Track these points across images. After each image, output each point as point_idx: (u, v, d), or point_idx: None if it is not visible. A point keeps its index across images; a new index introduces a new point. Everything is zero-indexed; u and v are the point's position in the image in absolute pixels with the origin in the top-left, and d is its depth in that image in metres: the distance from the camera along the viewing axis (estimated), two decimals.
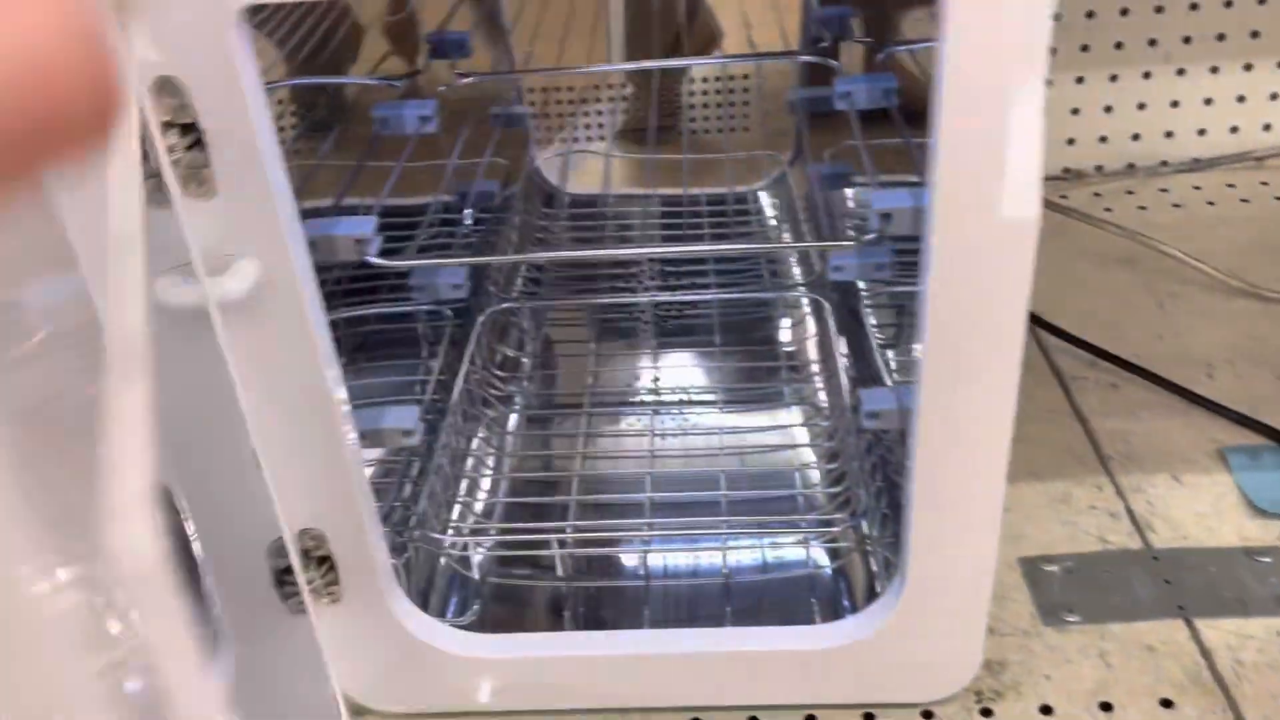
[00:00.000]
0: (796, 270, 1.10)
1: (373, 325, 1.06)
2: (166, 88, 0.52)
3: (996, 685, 0.76)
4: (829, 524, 0.81)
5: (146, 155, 0.52)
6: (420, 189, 1.06)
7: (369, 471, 0.83)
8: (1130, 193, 1.37)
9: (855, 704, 0.74)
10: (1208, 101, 1.37)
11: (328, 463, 0.64)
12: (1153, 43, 1.34)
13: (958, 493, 0.64)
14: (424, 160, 0.98)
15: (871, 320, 0.91)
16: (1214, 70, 1.35)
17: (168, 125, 0.53)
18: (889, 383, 0.83)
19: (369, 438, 0.73)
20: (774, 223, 1.17)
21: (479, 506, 0.87)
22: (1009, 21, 0.50)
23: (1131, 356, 1.06)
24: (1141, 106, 1.38)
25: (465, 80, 0.92)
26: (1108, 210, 1.33)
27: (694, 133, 1.25)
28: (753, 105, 1.24)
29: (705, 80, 1.22)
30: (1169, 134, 1.40)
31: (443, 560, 0.82)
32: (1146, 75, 1.36)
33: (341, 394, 0.63)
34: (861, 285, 0.97)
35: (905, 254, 0.91)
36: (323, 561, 0.68)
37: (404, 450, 0.84)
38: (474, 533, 0.83)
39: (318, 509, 0.66)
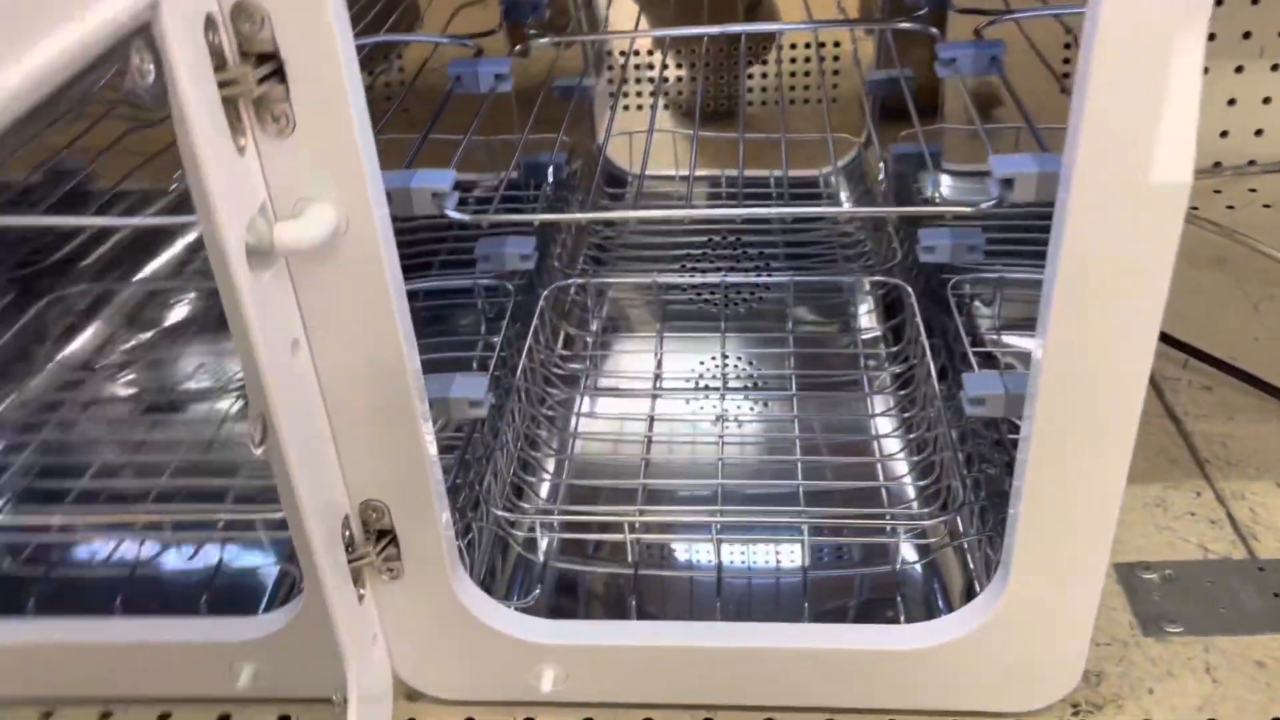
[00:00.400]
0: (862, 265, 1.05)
1: (429, 301, 1.03)
2: (245, 12, 0.48)
3: (1095, 698, 0.70)
4: (919, 518, 0.76)
5: (222, 85, 0.48)
6: (481, 164, 1.02)
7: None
8: (1218, 192, 1.31)
9: (941, 711, 0.70)
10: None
11: (395, 429, 0.60)
12: (1247, 35, 1.27)
13: (1074, 487, 0.59)
14: (487, 135, 0.94)
15: (958, 308, 0.86)
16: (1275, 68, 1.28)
17: (245, 54, 0.49)
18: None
19: (435, 408, 0.69)
20: (849, 206, 1.12)
21: (544, 489, 0.83)
22: None
23: (1226, 358, 1.00)
24: (1231, 102, 1.32)
25: (540, 41, 0.88)
26: (1195, 209, 1.27)
27: (759, 111, 1.20)
28: (823, 88, 1.19)
29: (784, 55, 1.17)
30: (1259, 132, 1.33)
31: (506, 542, 0.78)
32: (1239, 70, 1.30)
33: (414, 357, 0.59)
34: (944, 274, 0.92)
35: (996, 236, 0.87)
36: (384, 535, 0.65)
37: (468, 426, 0.80)
38: (540, 512, 0.79)
39: (381, 479, 0.62)
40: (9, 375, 0.90)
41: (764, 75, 1.19)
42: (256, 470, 0.80)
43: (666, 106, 1.22)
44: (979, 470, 0.73)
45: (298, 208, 0.53)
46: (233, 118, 0.49)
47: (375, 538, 0.65)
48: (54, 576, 0.81)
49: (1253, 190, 1.31)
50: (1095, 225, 0.51)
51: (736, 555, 0.78)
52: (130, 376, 0.94)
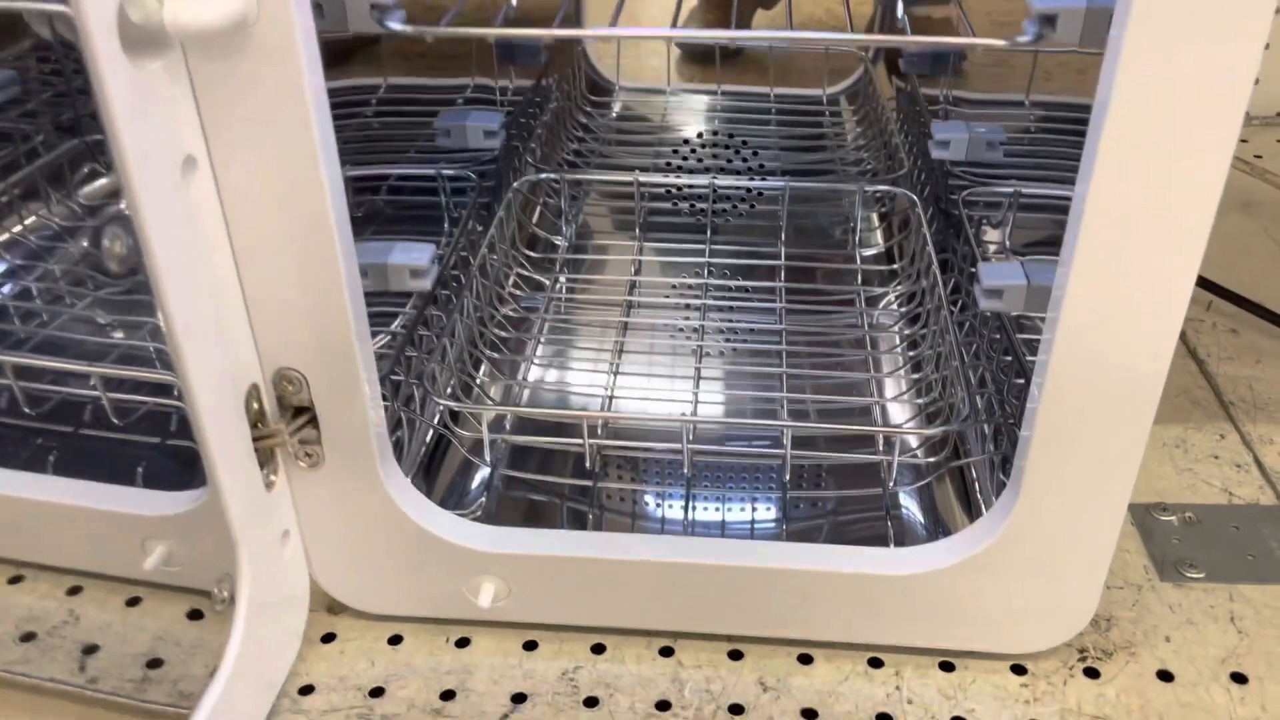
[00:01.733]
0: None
1: (388, 195, 0.93)
2: None
3: (1104, 643, 0.62)
4: (915, 430, 0.67)
5: None
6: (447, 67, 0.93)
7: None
8: (1244, 141, 1.23)
9: (931, 649, 0.61)
10: None
11: (316, 282, 0.51)
12: None
13: (1100, 401, 0.51)
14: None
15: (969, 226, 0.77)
16: None
17: None
18: None
19: (373, 275, 0.60)
20: (858, 128, 1.03)
21: (495, 392, 0.74)
22: None
23: (1253, 299, 0.92)
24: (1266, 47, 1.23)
25: None
26: None
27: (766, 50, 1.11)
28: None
29: None
30: None
31: (448, 444, 0.69)
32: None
33: (339, 190, 0.50)
34: (952, 191, 0.83)
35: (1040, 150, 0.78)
36: (301, 412, 0.55)
37: (414, 309, 0.71)
38: (491, 405, 0.70)
39: (299, 343, 0.53)
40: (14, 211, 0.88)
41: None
42: None
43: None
44: (990, 391, 0.64)
45: None
46: None
47: (291, 414, 0.56)
48: None
49: None
50: (1153, 67, 0.42)
51: (710, 475, 0.69)
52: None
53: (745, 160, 1.00)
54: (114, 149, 0.43)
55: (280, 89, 0.46)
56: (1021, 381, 0.64)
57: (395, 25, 0.51)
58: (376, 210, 0.92)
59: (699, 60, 1.10)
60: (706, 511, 0.67)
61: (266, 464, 0.56)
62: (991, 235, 0.85)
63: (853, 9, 1.02)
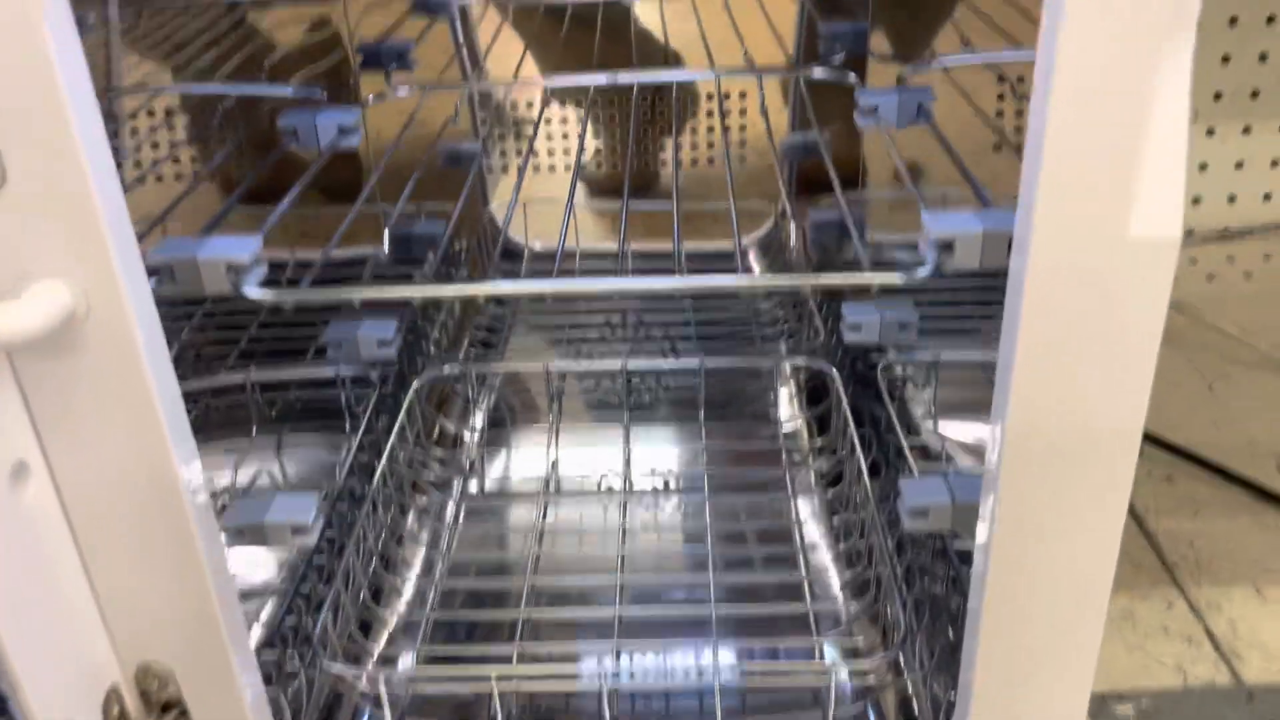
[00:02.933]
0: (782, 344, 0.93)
1: (294, 391, 0.89)
2: None
3: None
4: (856, 652, 0.63)
5: None
6: (345, 236, 0.89)
7: (259, 577, 0.66)
8: (1194, 262, 1.24)
9: None
10: (1239, 165, 1.24)
11: (171, 568, 0.46)
12: (1218, 96, 1.21)
13: (1045, 607, 0.47)
14: (350, 203, 0.82)
15: (889, 393, 0.75)
16: (1246, 130, 1.22)
17: None
18: (917, 472, 0.66)
19: (250, 534, 0.55)
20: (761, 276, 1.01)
21: (399, 621, 0.69)
22: None
23: (1186, 445, 0.91)
24: (1203, 168, 1.25)
25: (402, 92, 0.77)
26: None
27: (666, 178, 1.10)
28: (732, 149, 1.09)
29: (689, 109, 1.07)
30: (1196, 200, 1.26)
31: (346, 696, 0.63)
32: (1210, 133, 1.23)
33: (193, 472, 0.45)
34: (873, 356, 0.81)
35: (932, 312, 0.76)
36: (169, 708, 0.50)
37: (304, 551, 0.66)
38: (385, 662, 0.64)
39: (161, 635, 0.48)
40: None
41: (664, 134, 1.08)
42: None
43: (566, 169, 1.11)
44: (921, 587, 0.61)
45: (17, 285, 0.39)
46: None
47: (158, 711, 0.50)
48: None
49: (1193, 261, 1.24)
50: (1062, 294, 0.40)
51: (635, 702, 0.64)
52: None
53: (660, 330, 0.97)
54: None
55: (119, 378, 0.42)
56: (954, 575, 0.60)
57: (252, 292, 0.47)
58: (289, 407, 0.88)
59: (605, 193, 1.08)
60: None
61: None
62: (919, 396, 0.83)
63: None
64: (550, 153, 1.08)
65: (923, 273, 0.45)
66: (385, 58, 0.78)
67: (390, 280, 0.72)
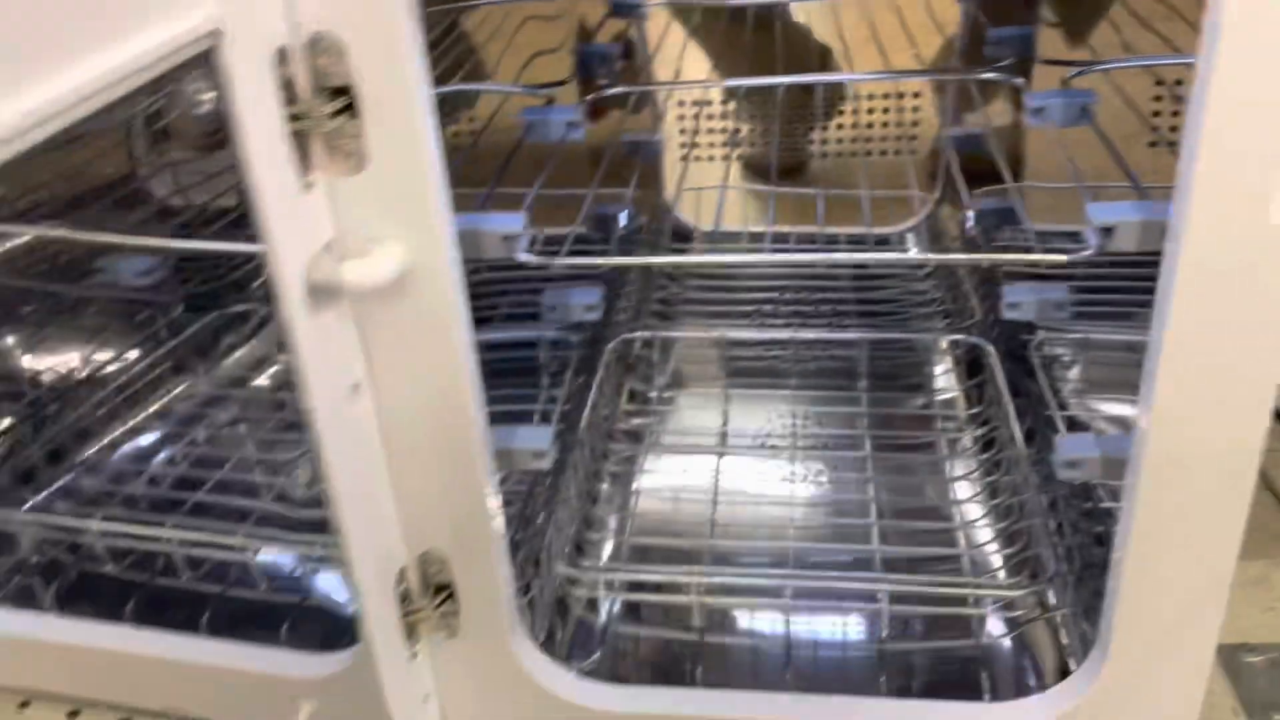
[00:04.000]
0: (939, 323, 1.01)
1: (490, 354, 1.01)
2: (322, 45, 0.47)
3: None
4: (1006, 588, 0.71)
5: (292, 118, 0.47)
6: (548, 218, 1.01)
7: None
8: None
9: None
10: None
11: (458, 478, 0.58)
12: None
13: (1180, 561, 0.55)
14: (555, 188, 0.94)
15: (1042, 370, 0.82)
16: None
17: (319, 88, 0.48)
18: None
19: (498, 459, 0.67)
20: (922, 268, 1.09)
21: (606, 548, 0.80)
22: None
23: None
24: None
25: (610, 92, 0.88)
26: None
27: (833, 165, 1.18)
28: (901, 142, 1.16)
29: (860, 107, 1.14)
30: None
31: (567, 603, 0.74)
32: None
33: (480, 403, 0.57)
34: (1025, 335, 0.88)
35: (1080, 296, 0.83)
36: (442, 589, 0.62)
37: (529, 480, 0.77)
38: (603, 570, 0.76)
39: (442, 530, 0.60)
40: (164, 383, 1.00)
41: (839, 128, 1.17)
42: None
43: (739, 158, 1.20)
44: (1071, 538, 0.69)
45: (366, 247, 0.51)
46: (301, 152, 0.48)
47: (434, 591, 0.62)
48: (154, 585, 0.81)
49: None
50: (1210, 278, 0.47)
51: (806, 624, 0.74)
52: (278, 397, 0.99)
53: (823, 306, 1.06)
54: (299, 378, 0.50)
55: (431, 327, 0.53)
56: (1101, 530, 0.68)
57: (523, 256, 0.58)
58: (485, 368, 1.01)
59: (768, 179, 1.17)
60: (807, 668, 0.72)
61: (411, 636, 0.62)
62: (1068, 375, 0.90)
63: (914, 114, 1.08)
64: (719, 145, 1.18)
65: (1086, 253, 0.53)
66: (595, 59, 0.89)
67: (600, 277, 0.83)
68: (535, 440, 0.66)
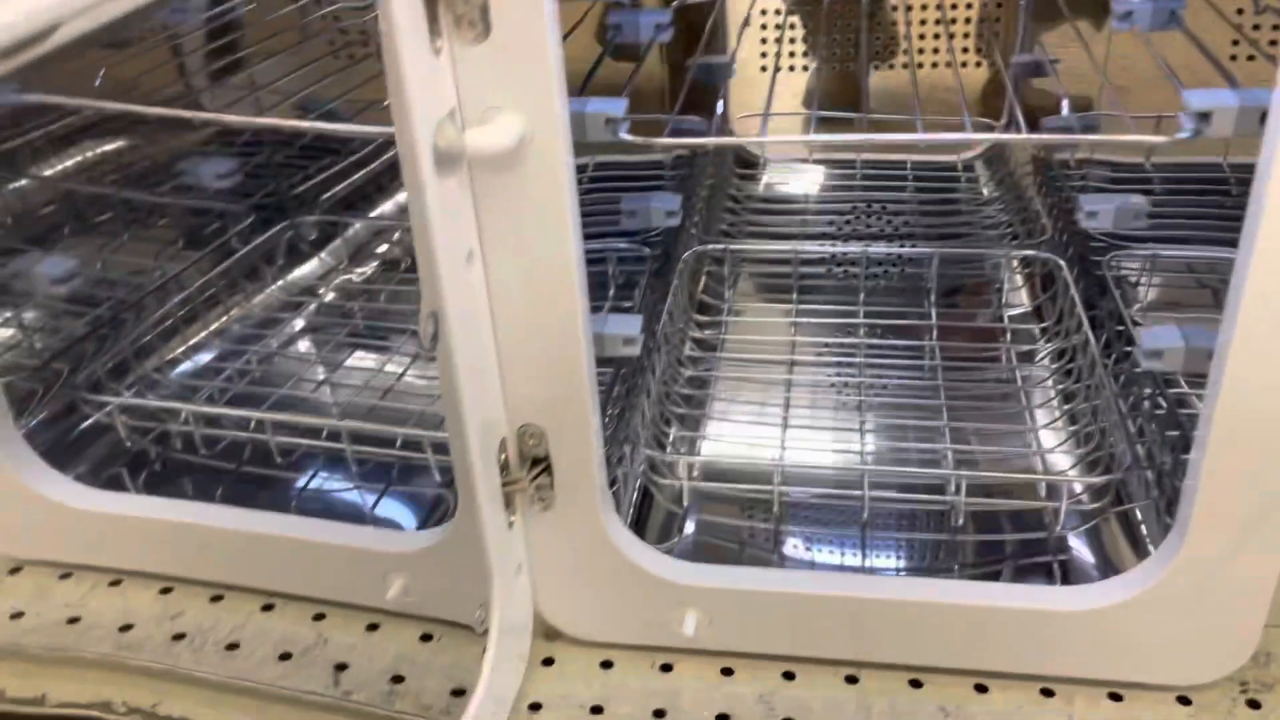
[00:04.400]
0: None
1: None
2: None
3: (1264, 677, 0.67)
4: (1081, 479, 0.73)
5: None
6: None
7: None
8: None
9: (1101, 680, 0.67)
10: None
11: (558, 353, 0.60)
12: None
13: (1264, 443, 0.56)
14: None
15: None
16: None
17: None
18: None
19: (593, 341, 0.69)
20: (996, 191, 1.10)
21: (683, 446, 0.83)
22: None
23: None
24: None
25: None
26: None
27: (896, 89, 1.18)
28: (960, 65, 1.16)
29: (913, 30, 1.15)
30: None
31: (650, 493, 0.77)
32: None
33: (583, 280, 0.59)
34: (1096, 254, 0.89)
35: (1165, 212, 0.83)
36: (538, 463, 0.65)
37: (612, 371, 0.80)
38: (686, 453, 0.78)
39: (541, 404, 0.63)
40: (238, 290, 1.04)
41: (890, 47, 1.17)
42: (436, 397, 0.86)
43: (795, 67, 1.21)
44: (1150, 437, 0.70)
45: (486, 115, 0.53)
46: (431, 18, 0.50)
47: (530, 464, 0.65)
48: (243, 471, 0.85)
49: None
50: None
51: (884, 520, 0.76)
52: (348, 305, 1.04)
53: (889, 227, 1.08)
54: (421, 243, 0.53)
55: (542, 200, 0.56)
56: (1177, 434, 0.69)
57: (626, 135, 0.60)
58: None
59: (837, 104, 1.18)
60: (881, 556, 0.74)
61: (508, 506, 0.65)
62: (1139, 295, 0.91)
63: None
64: (788, 67, 1.19)
65: (1183, 135, 0.55)
66: None
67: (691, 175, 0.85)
68: (627, 327, 0.69)
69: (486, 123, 0.53)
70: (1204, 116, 0.55)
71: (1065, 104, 0.96)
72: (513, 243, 0.57)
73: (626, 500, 0.75)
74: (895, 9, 1.13)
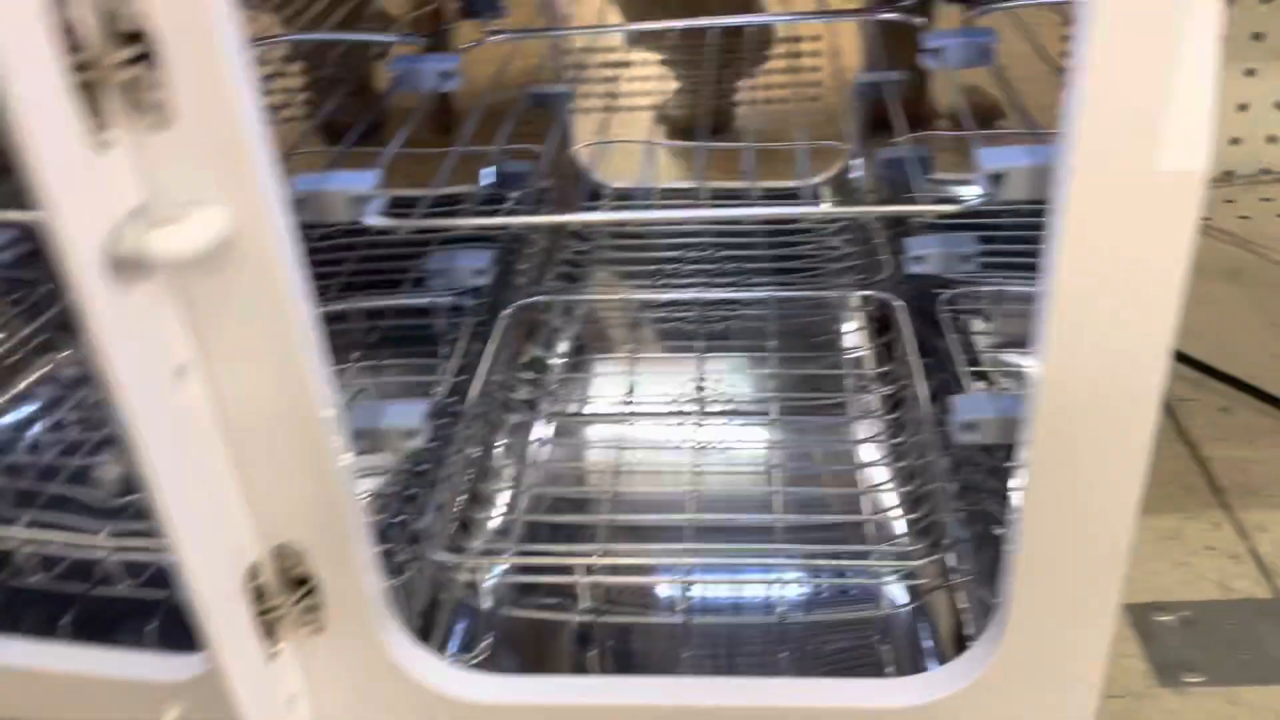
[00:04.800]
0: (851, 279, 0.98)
1: (390, 319, 0.96)
2: None
3: None
4: (908, 555, 0.68)
5: (82, 68, 0.42)
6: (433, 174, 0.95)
7: (371, 482, 0.73)
8: (1230, 201, 1.24)
9: None
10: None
11: (309, 463, 0.53)
12: (1258, 36, 1.21)
13: (1079, 520, 0.52)
14: (450, 145, 0.88)
15: (953, 325, 0.79)
16: None
17: (110, 33, 0.42)
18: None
19: (366, 439, 0.62)
20: (841, 227, 1.05)
21: (494, 524, 0.76)
22: None
23: (1244, 377, 0.93)
24: (1243, 108, 1.25)
25: (496, 38, 0.82)
26: (1206, 219, 1.20)
27: (741, 115, 1.13)
28: (809, 89, 1.12)
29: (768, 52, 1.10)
30: (1272, 139, 1.26)
31: (449, 586, 0.70)
32: (1250, 73, 1.23)
33: (323, 381, 0.52)
34: (936, 289, 0.85)
35: (993, 248, 0.79)
36: (303, 583, 0.57)
37: (410, 457, 0.73)
38: (486, 554, 0.71)
39: (297, 519, 0.55)
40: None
41: (739, 75, 1.12)
42: None
43: (651, 110, 1.15)
44: (973, 502, 0.66)
45: (179, 211, 0.46)
46: (92, 106, 0.42)
47: (294, 586, 0.57)
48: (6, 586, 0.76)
49: (1266, 200, 1.24)
50: (1097, 222, 0.44)
51: (706, 597, 0.71)
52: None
53: (732, 264, 1.02)
54: (100, 364, 0.45)
55: (264, 293, 0.48)
56: (1003, 492, 0.65)
57: (371, 220, 0.53)
58: (385, 335, 0.96)
59: (683, 133, 1.13)
60: (705, 648, 0.68)
61: (270, 635, 0.58)
62: (981, 329, 0.87)
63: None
64: (630, 95, 1.13)
65: (974, 202, 0.50)
66: (480, 4, 0.83)
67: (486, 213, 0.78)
68: (405, 418, 0.62)
69: (179, 220, 0.46)
70: (997, 178, 0.50)
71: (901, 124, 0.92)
72: (237, 349, 0.50)
73: (419, 601, 0.68)
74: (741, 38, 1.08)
